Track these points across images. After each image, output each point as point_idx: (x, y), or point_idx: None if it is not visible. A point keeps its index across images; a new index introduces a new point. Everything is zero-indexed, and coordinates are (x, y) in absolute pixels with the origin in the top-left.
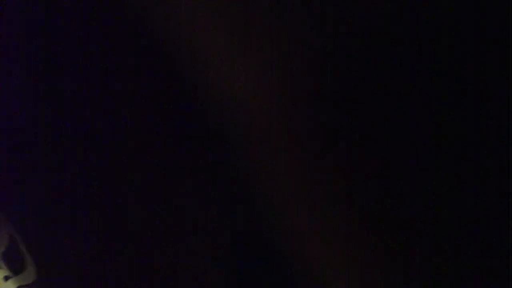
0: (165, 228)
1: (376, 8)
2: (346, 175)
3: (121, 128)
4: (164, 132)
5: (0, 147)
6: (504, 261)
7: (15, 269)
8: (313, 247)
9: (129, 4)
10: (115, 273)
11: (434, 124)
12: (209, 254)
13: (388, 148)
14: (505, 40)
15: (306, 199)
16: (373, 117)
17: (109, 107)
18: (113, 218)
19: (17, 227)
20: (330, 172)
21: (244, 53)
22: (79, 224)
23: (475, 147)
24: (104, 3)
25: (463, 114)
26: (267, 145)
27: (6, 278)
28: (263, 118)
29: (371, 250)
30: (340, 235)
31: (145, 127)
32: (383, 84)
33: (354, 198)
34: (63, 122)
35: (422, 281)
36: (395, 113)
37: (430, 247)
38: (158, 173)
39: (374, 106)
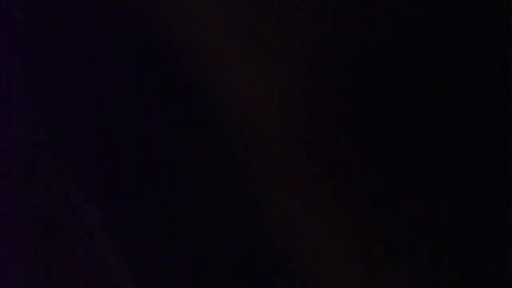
0: (163, 228)
1: (379, 8)
2: (347, 176)
3: (121, 128)
4: (164, 131)
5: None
6: (504, 261)
7: None
8: (313, 247)
9: (131, 2)
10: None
11: (436, 124)
12: (208, 255)
13: (389, 147)
14: (505, 40)
15: (306, 199)
16: (374, 118)
17: (109, 106)
18: (111, 218)
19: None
20: (331, 173)
21: (247, 52)
22: (83, 224)
23: (476, 147)
24: (105, 0)
25: (463, 114)
26: (268, 145)
27: None
28: (265, 117)
29: (371, 250)
30: (340, 234)
31: (144, 127)
32: (384, 86)
33: (354, 198)
34: (64, 123)
35: (423, 281)
36: (396, 113)
37: (431, 246)
38: (157, 172)
39: (375, 107)
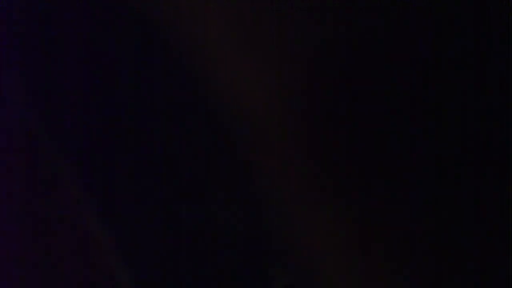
0: (163, 228)
1: (379, 8)
2: (347, 176)
3: (121, 128)
4: (164, 131)
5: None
6: (504, 261)
7: None
8: (313, 247)
9: (131, 2)
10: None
11: (436, 124)
12: (208, 255)
13: (389, 147)
14: (505, 40)
15: (306, 199)
16: (374, 118)
17: (109, 107)
18: (111, 218)
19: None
20: (331, 173)
21: (247, 52)
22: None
23: (476, 147)
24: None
25: (463, 114)
26: (268, 144)
27: None
28: (265, 117)
29: (371, 250)
30: (340, 234)
31: (144, 127)
32: (384, 86)
33: (354, 198)
34: (64, 122)
35: (423, 281)
36: (396, 113)
37: (431, 246)
38: (158, 172)
39: (376, 107)
